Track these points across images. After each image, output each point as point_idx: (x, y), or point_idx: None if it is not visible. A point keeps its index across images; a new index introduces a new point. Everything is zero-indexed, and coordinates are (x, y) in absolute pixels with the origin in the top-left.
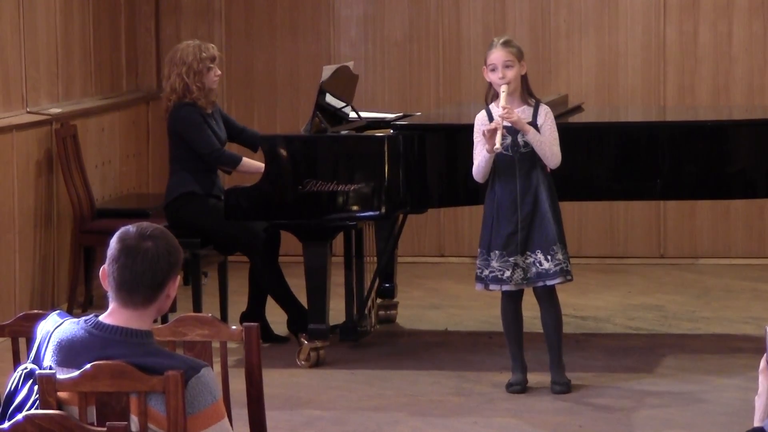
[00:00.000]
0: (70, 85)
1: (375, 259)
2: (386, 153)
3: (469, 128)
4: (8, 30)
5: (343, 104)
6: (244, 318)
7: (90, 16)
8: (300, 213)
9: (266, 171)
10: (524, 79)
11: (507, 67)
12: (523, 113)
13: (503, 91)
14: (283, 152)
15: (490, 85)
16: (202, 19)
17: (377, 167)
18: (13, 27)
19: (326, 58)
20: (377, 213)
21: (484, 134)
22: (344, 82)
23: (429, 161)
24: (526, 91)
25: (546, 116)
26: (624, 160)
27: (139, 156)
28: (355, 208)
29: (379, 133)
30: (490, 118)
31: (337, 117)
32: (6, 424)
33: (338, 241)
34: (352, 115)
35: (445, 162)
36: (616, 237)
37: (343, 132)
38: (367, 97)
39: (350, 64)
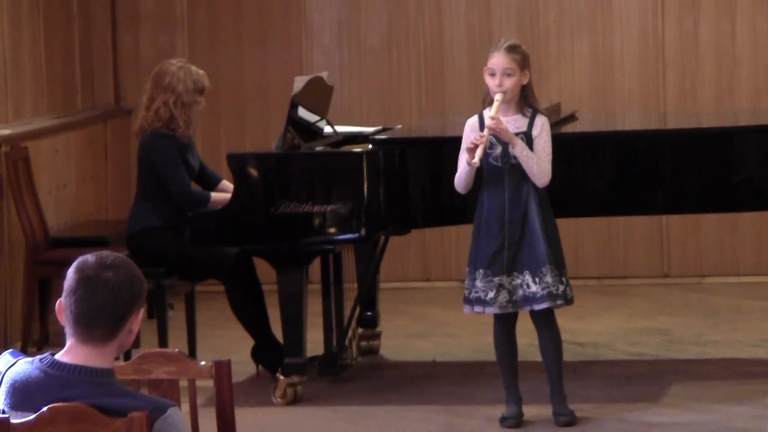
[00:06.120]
0: (20, 103)
1: (355, 285)
2: (365, 170)
3: (455, 141)
4: None
5: (318, 118)
6: (254, 353)
7: (41, 28)
8: (272, 237)
9: (235, 192)
10: (525, 88)
11: (507, 75)
12: (516, 122)
13: (497, 100)
14: (253, 171)
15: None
16: (162, 29)
17: (355, 186)
18: None
19: (298, 68)
20: (356, 235)
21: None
22: (318, 94)
23: (411, 178)
24: (524, 101)
25: (542, 128)
26: (622, 172)
27: (96, 179)
28: (332, 230)
29: (357, 149)
30: (482, 124)
31: (311, 132)
32: None
33: (315, 267)
34: (327, 129)
35: (429, 178)
36: (615, 256)
37: (318, 148)
38: (343, 110)
39: (324, 74)
